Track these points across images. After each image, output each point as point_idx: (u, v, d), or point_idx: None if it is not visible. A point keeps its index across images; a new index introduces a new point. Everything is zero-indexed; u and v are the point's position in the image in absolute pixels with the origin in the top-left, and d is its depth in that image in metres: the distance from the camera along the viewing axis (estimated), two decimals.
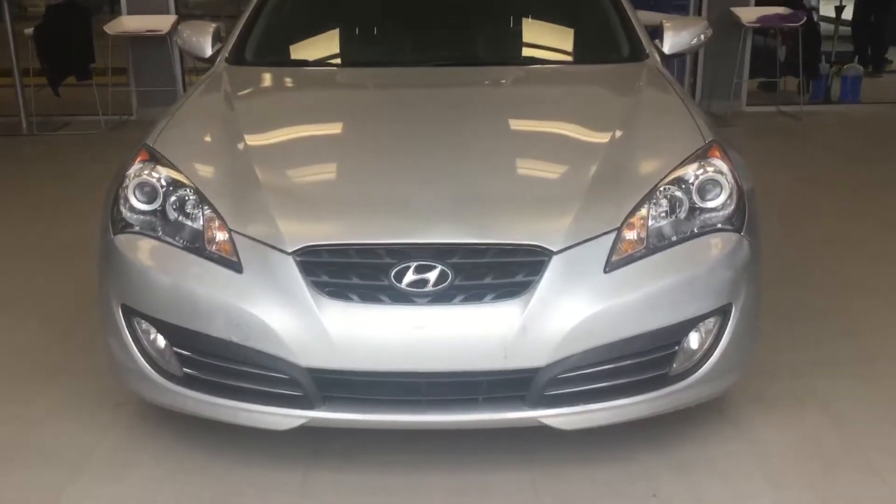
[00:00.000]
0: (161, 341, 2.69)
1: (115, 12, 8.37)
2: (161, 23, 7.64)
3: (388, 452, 2.83)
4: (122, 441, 2.94)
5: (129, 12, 7.96)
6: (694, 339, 2.66)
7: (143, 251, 2.71)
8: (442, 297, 2.48)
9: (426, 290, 2.47)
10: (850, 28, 10.80)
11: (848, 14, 10.61)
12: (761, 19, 8.04)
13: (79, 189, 5.88)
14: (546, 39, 4.15)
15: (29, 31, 7.80)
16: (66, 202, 5.64)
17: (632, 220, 2.63)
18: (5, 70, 8.06)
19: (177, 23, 7.40)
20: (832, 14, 10.47)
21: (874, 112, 8.48)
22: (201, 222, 2.68)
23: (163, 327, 2.66)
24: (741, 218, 2.76)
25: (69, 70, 8.09)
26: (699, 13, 8.29)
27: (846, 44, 10.49)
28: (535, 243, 2.52)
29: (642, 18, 4.09)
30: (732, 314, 2.68)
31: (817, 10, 10.95)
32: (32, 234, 5.04)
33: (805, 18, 8.12)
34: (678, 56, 4.02)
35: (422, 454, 2.82)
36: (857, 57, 10.19)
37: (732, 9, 8.08)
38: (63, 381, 3.32)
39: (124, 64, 8.15)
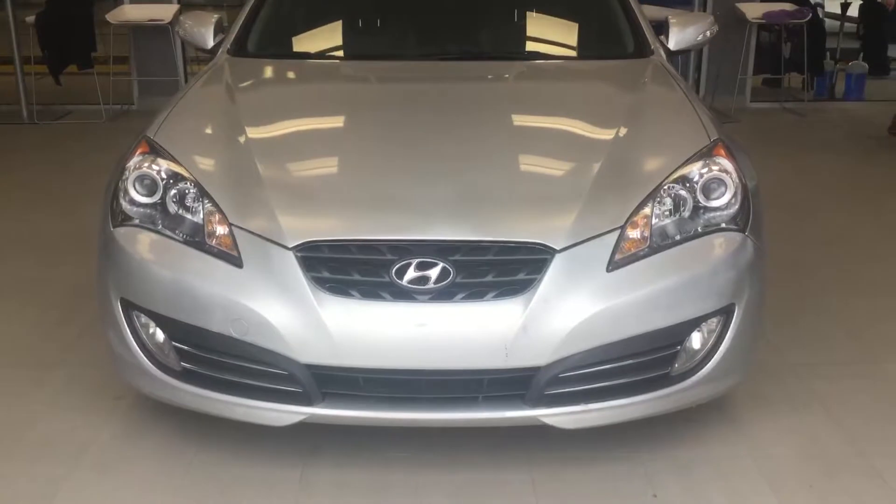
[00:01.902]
0: (160, 335, 2.67)
1: (117, 1, 8.34)
2: (163, 12, 7.61)
3: (387, 450, 2.81)
4: (120, 434, 2.93)
5: (131, 1, 7.93)
6: (696, 339, 2.64)
7: (142, 244, 2.69)
8: (443, 294, 2.46)
9: (427, 287, 2.45)
10: (854, 25, 10.76)
11: (853, 11, 10.56)
12: (766, 15, 8.01)
13: (79, 178, 5.86)
14: (550, 34, 4.12)
15: (30, 18, 7.79)
16: (66, 191, 5.62)
17: (635, 219, 2.60)
18: (6, 58, 8.04)
19: (179, 12, 7.38)
20: (837, 10, 10.43)
21: (878, 110, 8.43)
22: (201, 216, 2.66)
23: (162, 321, 2.64)
24: (745, 217, 2.74)
25: (70, 58, 8.06)
26: (704, 9, 8.26)
27: (851, 41, 10.44)
28: (538, 241, 2.50)
29: (647, 14, 4.05)
30: (735, 314, 2.66)
31: (822, 6, 10.91)
32: (32, 223, 5.02)
33: (810, 15, 8.09)
34: (683, 52, 3.99)
35: (421, 452, 2.81)
36: (861, 54, 10.14)
37: (737, 4, 8.05)
38: (61, 372, 3.30)
39: (126, 53, 8.12)
